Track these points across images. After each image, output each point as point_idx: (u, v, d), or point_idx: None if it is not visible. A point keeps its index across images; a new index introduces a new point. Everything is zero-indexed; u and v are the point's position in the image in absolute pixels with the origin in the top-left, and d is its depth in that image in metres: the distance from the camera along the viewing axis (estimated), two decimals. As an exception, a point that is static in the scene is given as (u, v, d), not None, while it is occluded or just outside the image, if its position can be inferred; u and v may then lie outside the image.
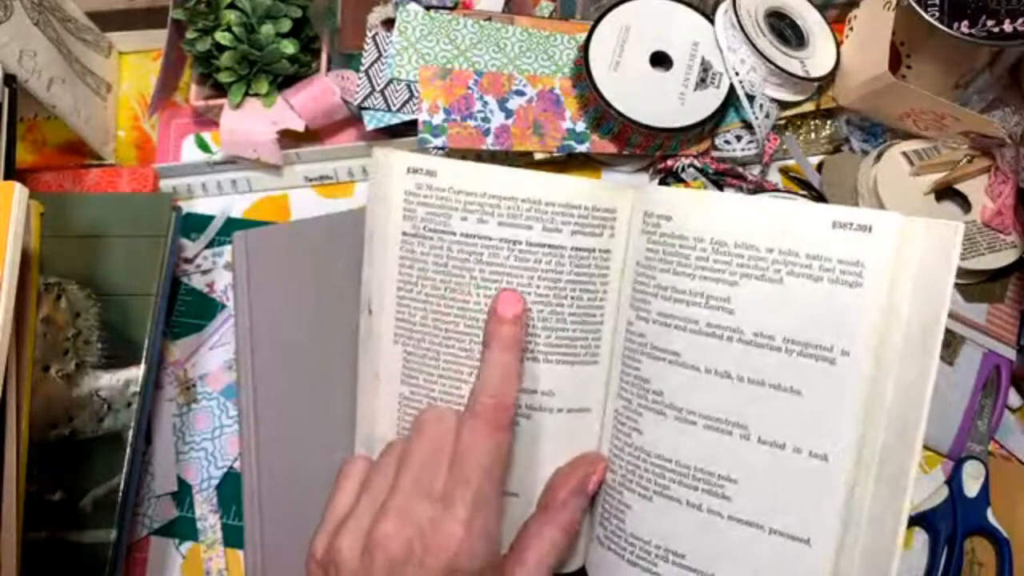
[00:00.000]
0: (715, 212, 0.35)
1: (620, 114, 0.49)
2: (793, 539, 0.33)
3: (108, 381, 0.44)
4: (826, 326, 0.32)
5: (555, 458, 0.38)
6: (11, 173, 0.43)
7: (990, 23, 0.45)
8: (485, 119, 0.50)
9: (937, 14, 0.46)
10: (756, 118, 0.50)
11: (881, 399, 0.31)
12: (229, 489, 0.46)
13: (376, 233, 0.38)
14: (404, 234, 0.37)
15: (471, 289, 0.36)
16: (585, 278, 0.37)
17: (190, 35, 0.50)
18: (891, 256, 0.31)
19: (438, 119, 0.50)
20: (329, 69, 0.52)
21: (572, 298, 0.37)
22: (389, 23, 0.52)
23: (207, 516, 0.46)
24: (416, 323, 0.37)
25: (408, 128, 0.51)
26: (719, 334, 0.34)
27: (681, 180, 0.52)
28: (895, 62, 0.49)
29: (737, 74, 0.50)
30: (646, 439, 0.36)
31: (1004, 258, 0.49)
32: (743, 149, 0.52)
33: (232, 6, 0.49)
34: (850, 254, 0.32)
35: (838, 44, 0.52)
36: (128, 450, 0.43)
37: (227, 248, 0.52)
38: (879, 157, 0.51)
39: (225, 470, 0.47)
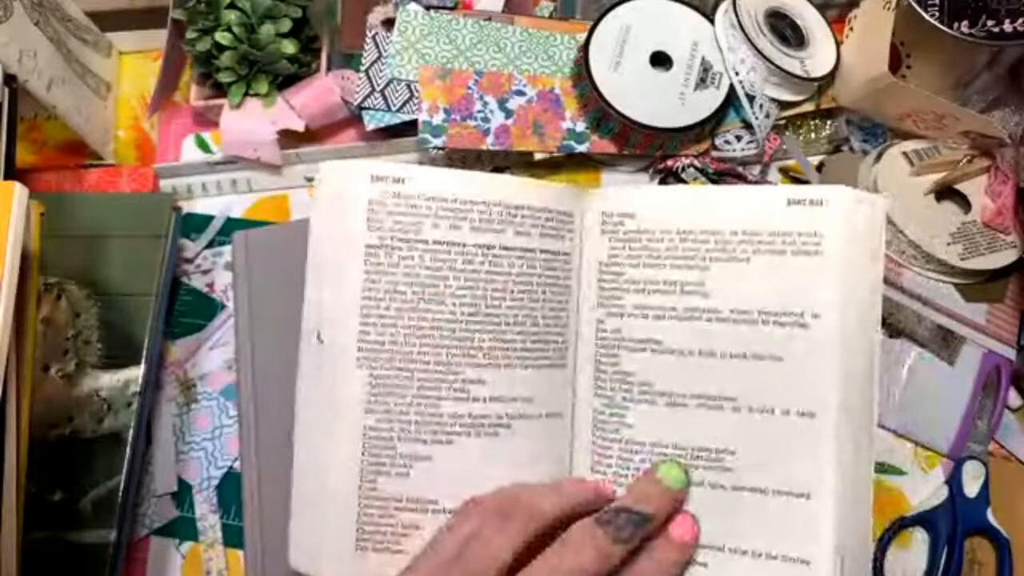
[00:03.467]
0: (677, 205, 0.37)
1: (620, 114, 0.49)
2: (794, 495, 0.34)
3: (108, 381, 0.44)
4: (795, 294, 0.35)
5: (533, 465, 0.37)
6: (11, 173, 0.43)
7: (990, 23, 0.45)
8: (485, 119, 0.50)
9: (937, 14, 0.46)
10: (756, 118, 0.50)
11: (853, 353, 0.34)
12: (229, 489, 0.46)
13: (330, 250, 0.36)
14: (368, 247, 0.35)
15: (446, 299, 0.35)
16: (553, 281, 0.37)
17: (190, 35, 0.50)
18: (844, 224, 0.35)
19: (438, 119, 0.50)
20: (329, 69, 0.52)
21: (544, 301, 0.37)
22: (389, 23, 0.52)
23: (207, 516, 0.46)
24: (385, 342, 0.35)
25: (408, 128, 0.51)
26: (697, 316, 0.36)
27: (681, 180, 0.52)
28: (895, 62, 0.49)
29: (737, 74, 0.50)
30: (636, 431, 0.37)
31: (1004, 258, 0.49)
32: (743, 149, 0.52)
33: (232, 6, 0.49)
34: (808, 227, 0.35)
35: (838, 44, 0.52)
36: (128, 450, 0.43)
37: (227, 248, 0.52)
38: (879, 157, 0.51)
39: (225, 470, 0.47)
